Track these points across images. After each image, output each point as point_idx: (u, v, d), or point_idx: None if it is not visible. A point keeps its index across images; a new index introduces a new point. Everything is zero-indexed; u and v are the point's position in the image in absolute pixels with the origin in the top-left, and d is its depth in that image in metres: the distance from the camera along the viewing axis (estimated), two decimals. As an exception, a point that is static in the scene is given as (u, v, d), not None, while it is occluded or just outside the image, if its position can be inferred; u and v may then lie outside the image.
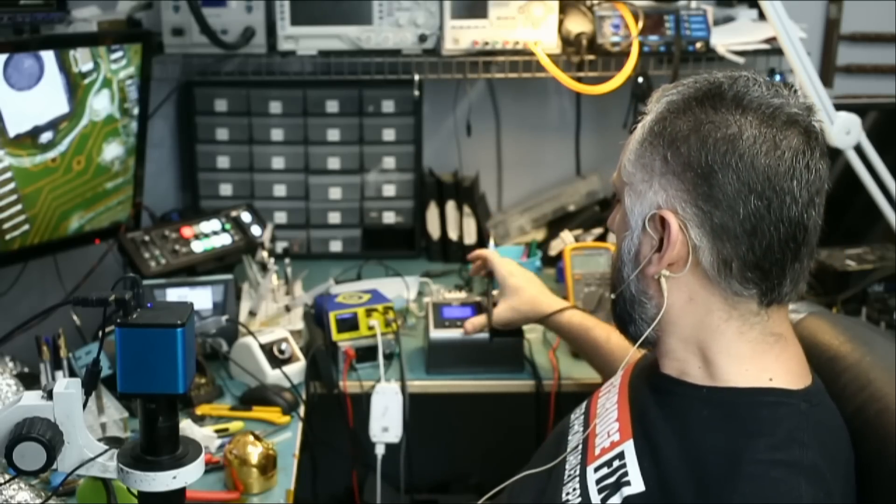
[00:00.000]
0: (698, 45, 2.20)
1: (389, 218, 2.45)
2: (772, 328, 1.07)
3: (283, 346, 1.77)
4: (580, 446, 1.19)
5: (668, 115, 1.06)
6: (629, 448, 1.09)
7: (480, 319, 1.79)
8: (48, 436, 0.99)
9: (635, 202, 1.08)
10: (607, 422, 1.17)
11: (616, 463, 1.09)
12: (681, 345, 1.10)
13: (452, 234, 2.43)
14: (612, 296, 1.17)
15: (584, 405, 1.29)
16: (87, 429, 1.03)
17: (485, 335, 1.81)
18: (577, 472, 1.15)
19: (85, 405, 1.03)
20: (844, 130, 1.92)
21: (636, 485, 1.04)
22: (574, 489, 1.13)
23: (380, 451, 1.80)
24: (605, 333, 1.62)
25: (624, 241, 1.11)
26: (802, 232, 1.04)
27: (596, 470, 1.12)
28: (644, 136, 1.08)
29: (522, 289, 1.74)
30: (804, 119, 1.04)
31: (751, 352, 1.07)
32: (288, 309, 1.94)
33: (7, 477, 1.26)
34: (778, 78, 2.20)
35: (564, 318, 1.69)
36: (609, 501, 1.06)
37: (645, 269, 1.09)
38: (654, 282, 1.09)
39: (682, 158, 1.03)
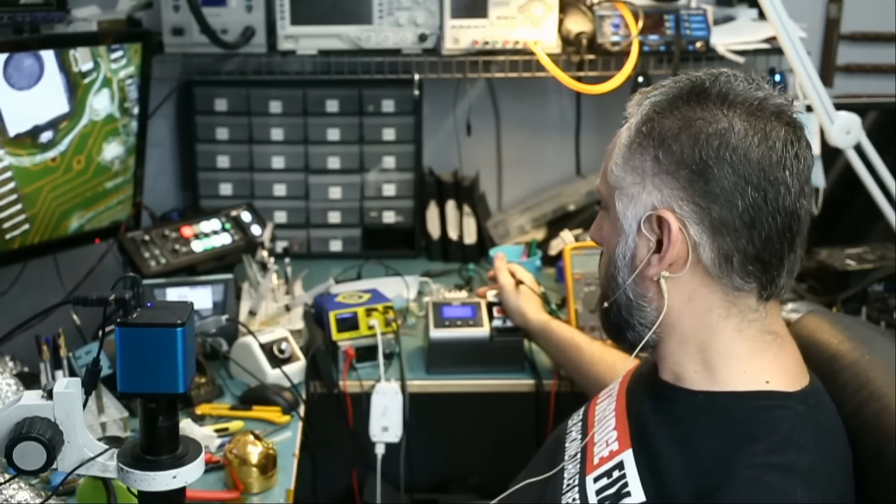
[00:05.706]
0: (698, 44, 2.19)
1: (389, 217, 2.45)
2: (769, 326, 1.07)
3: (283, 345, 1.77)
4: (578, 455, 1.19)
5: (655, 115, 1.06)
6: (628, 458, 1.09)
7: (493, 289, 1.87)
8: (48, 435, 0.99)
9: (627, 206, 1.08)
10: (605, 430, 1.16)
11: (616, 473, 1.09)
12: (679, 347, 1.10)
13: (452, 234, 2.43)
14: (606, 305, 1.15)
15: (581, 411, 1.28)
16: (87, 428, 1.03)
17: (485, 335, 1.82)
18: (577, 482, 1.14)
19: (85, 405, 1.03)
20: (844, 130, 1.92)
21: (636, 495, 1.04)
22: (574, 499, 1.12)
23: (380, 450, 1.80)
24: (589, 345, 1.66)
25: (618, 247, 1.10)
26: (797, 222, 1.04)
27: (595, 480, 1.11)
28: (631, 138, 1.08)
29: (521, 294, 1.82)
30: (788, 110, 1.05)
31: (749, 350, 1.07)
32: (288, 308, 1.94)
33: (7, 476, 1.26)
34: (778, 77, 2.20)
35: (551, 326, 1.74)
36: None
37: (644, 271, 1.08)
38: (654, 284, 1.08)
39: (674, 157, 1.03)
